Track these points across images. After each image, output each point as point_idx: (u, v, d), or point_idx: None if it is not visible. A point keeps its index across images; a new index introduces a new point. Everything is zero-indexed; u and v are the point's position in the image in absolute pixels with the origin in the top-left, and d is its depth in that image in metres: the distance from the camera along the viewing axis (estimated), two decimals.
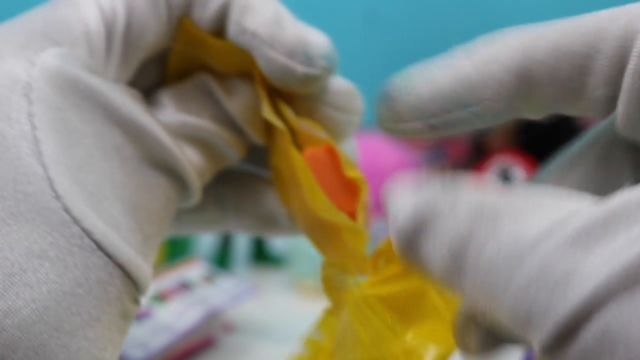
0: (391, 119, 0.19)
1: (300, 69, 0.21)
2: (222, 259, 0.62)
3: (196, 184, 0.21)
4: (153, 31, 0.21)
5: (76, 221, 0.17)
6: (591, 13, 0.17)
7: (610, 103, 0.17)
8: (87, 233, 0.17)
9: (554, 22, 0.17)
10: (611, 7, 0.17)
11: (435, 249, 0.15)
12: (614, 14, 0.16)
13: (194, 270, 0.52)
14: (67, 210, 0.17)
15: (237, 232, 0.26)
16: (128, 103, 0.19)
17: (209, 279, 0.52)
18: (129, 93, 0.20)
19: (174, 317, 0.47)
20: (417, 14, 1.03)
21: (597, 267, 0.13)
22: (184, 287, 0.50)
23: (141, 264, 0.18)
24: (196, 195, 0.22)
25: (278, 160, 0.22)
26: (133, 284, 0.18)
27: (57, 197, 0.17)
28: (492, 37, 0.17)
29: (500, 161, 0.63)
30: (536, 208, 0.14)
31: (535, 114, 0.18)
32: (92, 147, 0.18)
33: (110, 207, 0.18)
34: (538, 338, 0.13)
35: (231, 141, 0.22)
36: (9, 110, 0.17)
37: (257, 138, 0.22)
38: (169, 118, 0.21)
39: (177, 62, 0.22)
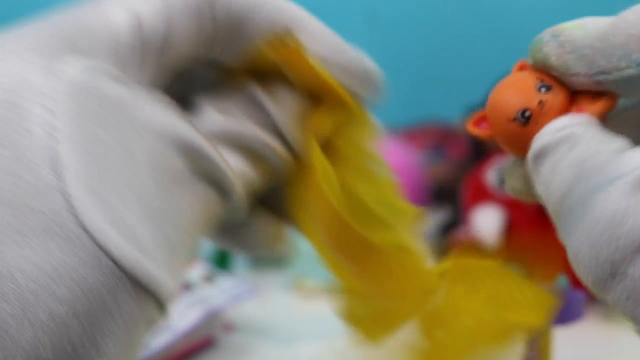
0: (557, 67, 0.19)
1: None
2: (222, 259, 0.62)
3: (239, 190, 0.20)
4: (193, 44, 0.20)
5: (92, 237, 0.16)
6: None
7: None
8: (103, 249, 0.16)
9: None
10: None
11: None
12: None
13: (194, 270, 0.52)
14: (82, 225, 0.16)
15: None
16: (161, 112, 0.19)
17: (209, 279, 0.52)
18: (162, 101, 0.19)
19: (174, 317, 0.47)
20: (417, 14, 1.03)
21: None
22: (184, 287, 0.50)
23: (160, 276, 0.18)
24: (241, 204, 0.21)
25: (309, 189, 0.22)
26: (153, 297, 0.18)
27: (73, 212, 0.16)
28: None
29: (500, 161, 0.63)
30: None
31: None
32: (117, 159, 0.17)
33: (133, 221, 0.17)
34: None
35: (277, 148, 0.21)
36: (23, 121, 0.17)
37: (299, 149, 0.22)
38: (210, 125, 0.21)
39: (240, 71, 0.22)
